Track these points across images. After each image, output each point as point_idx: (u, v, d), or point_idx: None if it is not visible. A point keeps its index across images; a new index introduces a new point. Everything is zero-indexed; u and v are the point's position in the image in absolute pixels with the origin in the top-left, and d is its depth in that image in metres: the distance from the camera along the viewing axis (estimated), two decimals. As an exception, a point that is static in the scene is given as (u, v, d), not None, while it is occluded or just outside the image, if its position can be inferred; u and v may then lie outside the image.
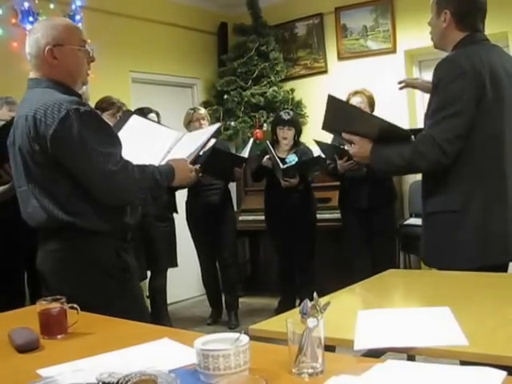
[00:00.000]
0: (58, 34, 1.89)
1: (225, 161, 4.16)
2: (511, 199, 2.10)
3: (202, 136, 2.27)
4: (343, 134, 2.26)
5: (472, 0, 2.16)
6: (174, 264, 4.16)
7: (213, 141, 4.42)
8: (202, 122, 4.36)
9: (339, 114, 2.25)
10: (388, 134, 2.16)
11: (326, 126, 2.31)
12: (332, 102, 2.20)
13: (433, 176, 2.17)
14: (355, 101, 3.98)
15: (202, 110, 4.47)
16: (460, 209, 2.08)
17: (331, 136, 4.19)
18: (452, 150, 2.04)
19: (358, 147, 2.22)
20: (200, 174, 4.03)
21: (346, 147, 2.32)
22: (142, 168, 1.94)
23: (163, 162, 2.11)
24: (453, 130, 2.03)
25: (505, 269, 2.19)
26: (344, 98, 4.04)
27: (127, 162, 1.89)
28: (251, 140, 4.43)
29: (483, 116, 2.05)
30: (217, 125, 2.36)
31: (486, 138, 2.07)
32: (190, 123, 4.38)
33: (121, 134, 2.17)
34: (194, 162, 2.17)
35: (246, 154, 4.19)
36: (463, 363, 1.23)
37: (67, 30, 1.92)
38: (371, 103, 4.01)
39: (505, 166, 2.10)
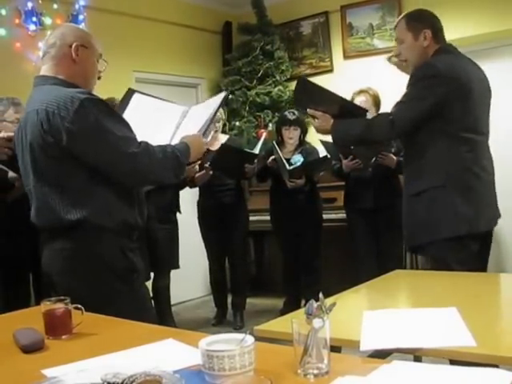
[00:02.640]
0: (85, 36, 1.99)
1: (235, 157, 4.13)
2: (487, 175, 2.38)
3: (210, 108, 2.21)
4: (308, 110, 2.57)
5: (437, 17, 2.49)
6: (176, 266, 4.16)
7: (225, 137, 4.43)
8: (217, 124, 4.30)
9: (308, 94, 2.57)
10: (348, 112, 2.51)
11: (297, 104, 2.79)
12: (303, 84, 2.55)
13: (414, 162, 2.43)
14: (360, 100, 3.96)
15: None
16: (443, 184, 2.31)
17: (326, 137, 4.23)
18: (401, 127, 2.36)
19: (321, 121, 2.54)
20: (210, 172, 4.05)
21: (311, 122, 2.72)
22: (162, 148, 1.95)
23: (174, 139, 2.11)
24: (409, 110, 2.35)
25: (490, 238, 2.45)
26: (349, 98, 4.04)
27: (147, 144, 1.90)
28: (263, 136, 4.39)
29: (457, 112, 2.30)
30: (223, 94, 2.29)
31: (461, 128, 2.32)
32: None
33: (126, 115, 2.18)
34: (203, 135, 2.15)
35: (257, 150, 4.16)
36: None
37: (93, 39, 2.02)
38: (376, 102, 3.98)
39: (479, 151, 2.37)
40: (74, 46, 1.92)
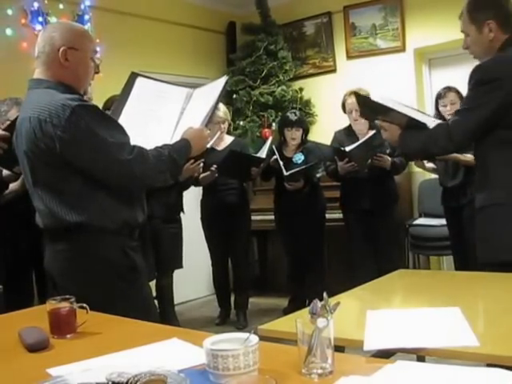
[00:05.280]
0: (74, 38, 1.92)
1: (242, 162, 4.16)
2: None
3: (213, 94, 2.19)
4: (376, 121, 2.50)
5: (507, 1, 2.20)
6: (179, 265, 4.17)
7: (231, 138, 4.43)
8: (222, 125, 4.31)
9: (368, 107, 2.50)
10: (413, 123, 2.32)
11: (362, 115, 2.66)
12: (359, 98, 2.49)
13: (479, 174, 2.27)
14: (350, 101, 3.98)
15: (222, 111, 4.29)
16: (504, 202, 2.11)
17: (331, 136, 4.23)
18: (459, 140, 2.17)
19: (388, 133, 2.40)
20: (216, 175, 4.06)
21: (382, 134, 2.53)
22: (158, 151, 1.94)
23: (179, 128, 2.11)
24: (466, 120, 2.15)
25: None
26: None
27: (141, 149, 1.89)
28: (270, 140, 4.40)
29: None
30: (224, 78, 2.25)
31: None
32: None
33: (130, 101, 2.17)
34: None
35: (263, 154, 4.18)
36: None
37: (83, 37, 1.96)
38: None
39: None
40: (61, 50, 1.88)
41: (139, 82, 2.25)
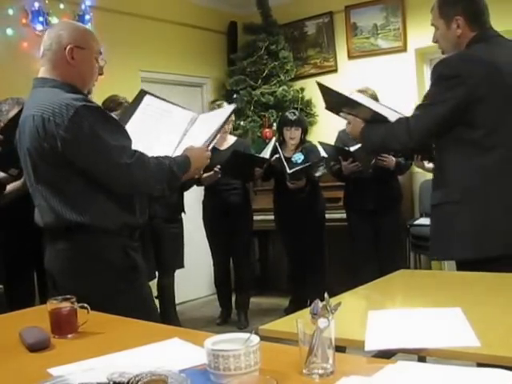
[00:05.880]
0: (81, 37, 1.94)
1: (246, 162, 4.17)
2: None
3: (218, 119, 2.22)
4: (341, 114, 2.45)
5: None
6: (181, 265, 4.17)
7: (234, 138, 4.44)
8: (226, 126, 4.32)
9: (332, 98, 2.44)
10: (377, 118, 2.30)
11: (327, 108, 2.52)
12: (322, 88, 2.39)
13: (436, 171, 2.27)
14: None
15: None
16: (459, 200, 2.11)
17: (335, 136, 4.20)
18: (418, 136, 2.18)
19: (352, 126, 2.40)
20: (219, 175, 4.07)
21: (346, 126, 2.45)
22: (158, 160, 1.94)
23: (180, 147, 2.12)
24: (426, 116, 2.15)
25: (502, 262, 2.06)
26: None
27: (142, 155, 1.89)
28: (273, 140, 4.41)
29: (483, 114, 2.06)
30: (232, 106, 2.28)
31: (488, 134, 2.07)
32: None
33: (136, 116, 2.18)
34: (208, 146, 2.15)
35: (267, 154, 4.19)
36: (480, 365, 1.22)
37: (90, 37, 1.98)
38: None
39: (508, 164, 2.09)
40: (68, 48, 1.89)
41: (147, 99, 2.28)
